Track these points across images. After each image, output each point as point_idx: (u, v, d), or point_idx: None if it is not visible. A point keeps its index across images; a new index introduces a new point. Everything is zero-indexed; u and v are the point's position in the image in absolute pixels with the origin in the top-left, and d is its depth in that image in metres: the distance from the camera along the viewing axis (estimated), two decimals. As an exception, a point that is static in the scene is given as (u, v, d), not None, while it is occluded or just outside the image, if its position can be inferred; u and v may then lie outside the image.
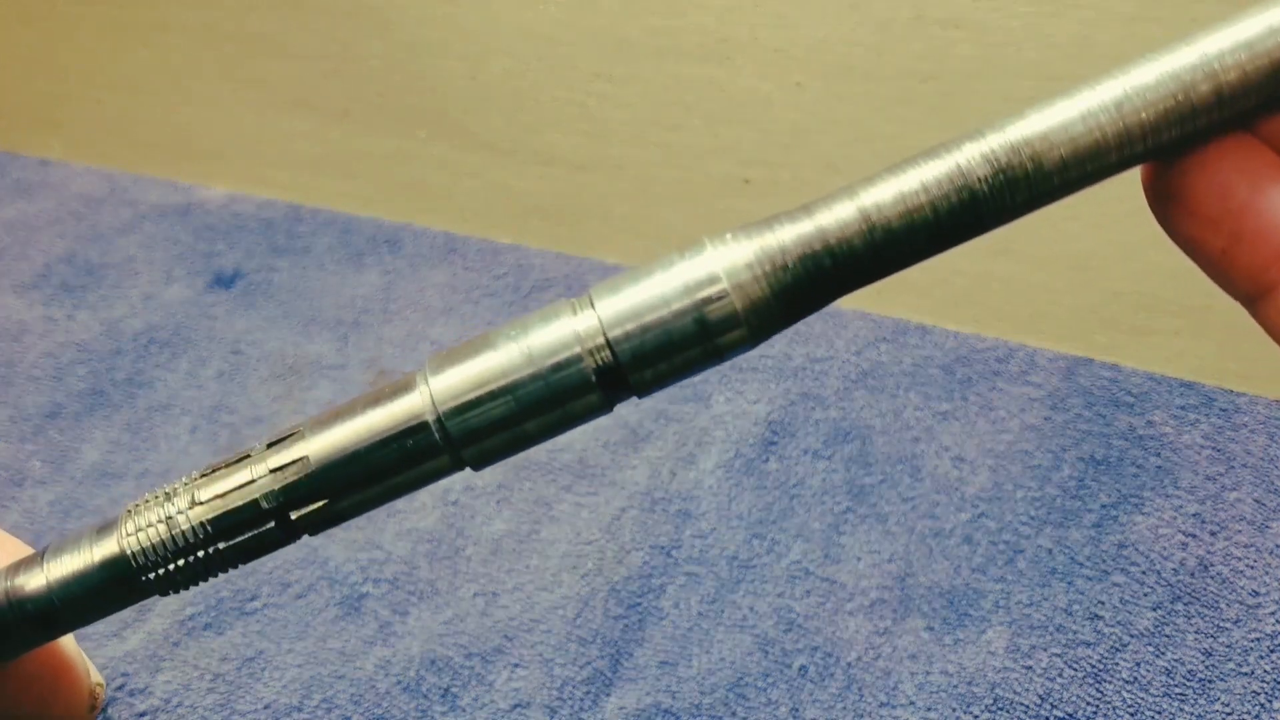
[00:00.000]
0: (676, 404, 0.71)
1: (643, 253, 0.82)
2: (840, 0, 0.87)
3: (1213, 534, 0.61)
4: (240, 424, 0.75)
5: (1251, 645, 0.57)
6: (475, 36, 0.96)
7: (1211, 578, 0.60)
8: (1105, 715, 0.56)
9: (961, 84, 0.83)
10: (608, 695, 0.60)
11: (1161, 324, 0.71)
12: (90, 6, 1.08)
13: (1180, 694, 0.56)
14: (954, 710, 0.57)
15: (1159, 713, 0.56)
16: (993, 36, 0.83)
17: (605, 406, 0.24)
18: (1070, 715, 0.56)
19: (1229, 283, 0.25)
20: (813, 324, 0.73)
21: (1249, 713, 0.56)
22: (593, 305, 0.24)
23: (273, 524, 0.24)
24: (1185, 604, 0.59)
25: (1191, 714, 0.56)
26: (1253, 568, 0.60)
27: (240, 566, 0.26)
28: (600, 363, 0.24)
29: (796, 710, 0.58)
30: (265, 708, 0.62)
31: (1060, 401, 0.68)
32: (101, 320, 0.83)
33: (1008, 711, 0.57)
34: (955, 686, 0.58)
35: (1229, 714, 0.56)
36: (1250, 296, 0.24)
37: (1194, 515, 0.62)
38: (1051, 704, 0.57)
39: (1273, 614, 0.58)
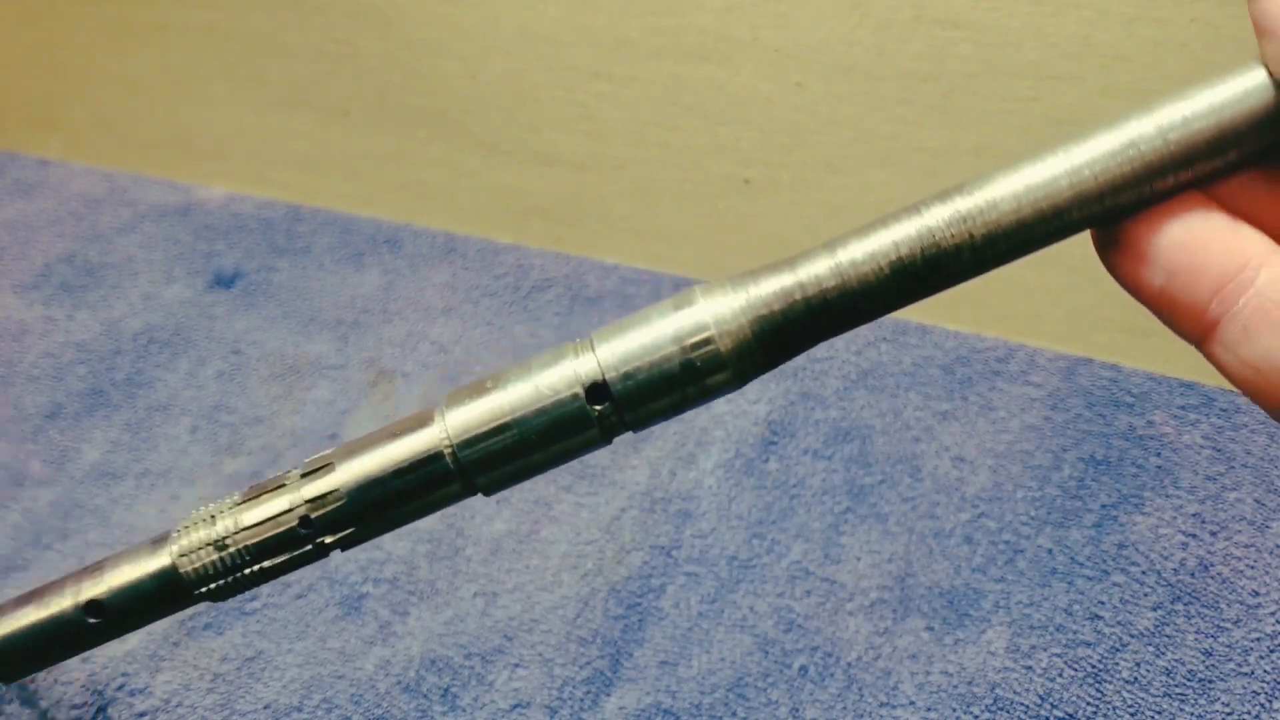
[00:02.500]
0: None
1: (642, 253, 0.82)
2: (840, 0, 0.87)
3: (1213, 534, 0.61)
4: (240, 424, 0.75)
5: (1252, 645, 0.57)
6: (475, 36, 0.96)
7: (1211, 578, 0.60)
8: (1105, 715, 0.56)
9: (961, 84, 0.83)
10: (608, 695, 0.60)
11: (1161, 324, 0.71)
12: (90, 6, 1.08)
13: (1180, 694, 0.56)
14: (954, 710, 0.57)
15: (1159, 713, 0.56)
16: (993, 36, 0.83)
17: (603, 440, 0.27)
18: (1070, 715, 0.56)
19: (1174, 322, 0.25)
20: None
21: (1249, 713, 0.56)
22: (593, 349, 0.26)
23: (309, 546, 0.28)
24: (1185, 604, 0.59)
25: (1191, 714, 0.56)
26: (1253, 568, 0.60)
27: (276, 579, 0.29)
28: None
29: (796, 710, 0.58)
30: (265, 708, 0.62)
31: (1060, 401, 0.68)
32: (101, 320, 0.83)
33: (1008, 711, 0.57)
34: (955, 686, 0.58)
35: (1229, 714, 0.56)
36: (1196, 337, 0.25)
37: (1194, 515, 0.62)
38: (1051, 704, 0.57)
39: (1273, 614, 0.58)
